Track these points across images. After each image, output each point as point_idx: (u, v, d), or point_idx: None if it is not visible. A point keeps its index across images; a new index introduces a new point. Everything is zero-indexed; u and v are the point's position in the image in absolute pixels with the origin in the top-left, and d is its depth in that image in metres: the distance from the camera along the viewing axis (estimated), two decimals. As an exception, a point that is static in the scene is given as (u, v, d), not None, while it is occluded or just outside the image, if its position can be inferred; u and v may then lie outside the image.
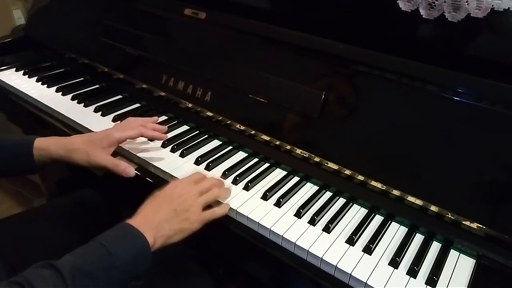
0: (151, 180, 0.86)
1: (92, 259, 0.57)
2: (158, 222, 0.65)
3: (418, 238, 0.73)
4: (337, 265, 0.66)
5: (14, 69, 1.25)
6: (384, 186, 0.75)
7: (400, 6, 0.77)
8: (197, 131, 0.98)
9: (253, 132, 0.90)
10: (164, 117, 1.04)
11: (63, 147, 0.80)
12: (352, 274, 0.65)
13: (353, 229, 0.72)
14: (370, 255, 0.68)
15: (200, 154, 0.89)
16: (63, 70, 1.27)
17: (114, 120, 1.01)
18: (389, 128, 0.76)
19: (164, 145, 0.92)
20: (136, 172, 0.88)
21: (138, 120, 0.88)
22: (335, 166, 0.80)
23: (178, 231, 0.67)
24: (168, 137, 0.94)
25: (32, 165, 0.80)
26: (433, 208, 0.72)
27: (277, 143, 0.87)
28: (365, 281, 0.64)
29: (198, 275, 0.87)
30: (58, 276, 0.53)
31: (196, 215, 0.69)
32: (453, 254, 0.70)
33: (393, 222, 0.76)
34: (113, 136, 0.81)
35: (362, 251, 0.69)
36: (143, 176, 0.87)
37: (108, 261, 0.57)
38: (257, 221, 0.73)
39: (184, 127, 1.00)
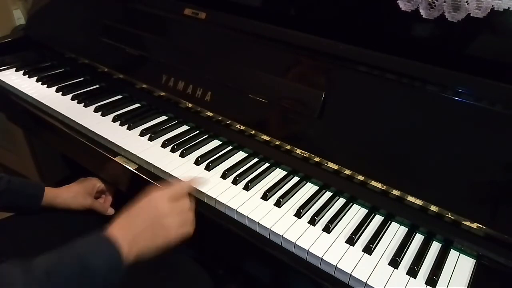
0: (151, 180, 0.86)
1: (66, 270, 0.56)
2: (133, 236, 0.62)
3: (418, 238, 0.73)
4: (337, 265, 0.66)
5: (14, 69, 1.25)
6: (384, 186, 0.75)
7: (400, 6, 0.77)
8: (197, 131, 0.98)
9: (253, 132, 0.90)
10: (164, 117, 1.04)
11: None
12: (352, 274, 0.65)
13: (353, 229, 0.72)
14: (370, 255, 0.68)
15: (200, 154, 0.89)
16: (63, 70, 1.27)
17: (114, 120, 1.01)
18: (389, 128, 0.76)
19: (164, 145, 0.92)
20: (136, 172, 0.88)
21: None
22: (335, 166, 0.80)
23: (153, 247, 0.65)
24: (168, 137, 0.94)
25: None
26: (433, 208, 0.72)
27: (277, 143, 0.87)
28: (365, 281, 0.64)
29: (198, 275, 0.87)
30: (30, 278, 0.53)
31: (173, 232, 0.67)
32: (453, 254, 0.70)
33: (393, 222, 0.76)
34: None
35: (362, 251, 0.69)
36: (143, 176, 0.87)
37: (82, 273, 0.56)
38: (257, 221, 0.73)
39: (184, 127, 1.00)
